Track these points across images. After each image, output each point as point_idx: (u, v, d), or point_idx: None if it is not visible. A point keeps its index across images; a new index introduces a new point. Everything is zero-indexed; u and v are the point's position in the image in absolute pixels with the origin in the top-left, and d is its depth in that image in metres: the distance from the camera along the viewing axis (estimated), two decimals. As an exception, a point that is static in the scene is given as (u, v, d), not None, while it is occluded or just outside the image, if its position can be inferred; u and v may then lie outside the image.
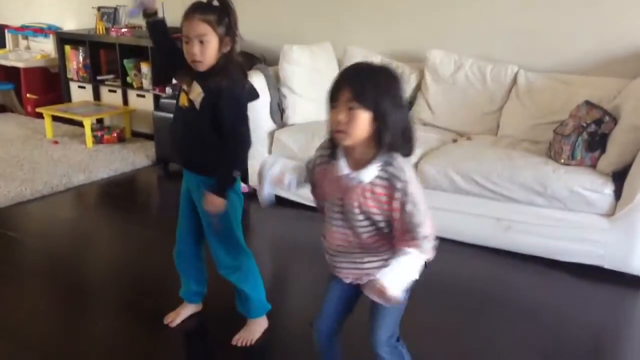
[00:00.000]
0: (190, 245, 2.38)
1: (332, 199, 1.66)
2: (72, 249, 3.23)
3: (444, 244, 3.34)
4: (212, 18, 2.02)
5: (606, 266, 2.88)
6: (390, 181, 1.55)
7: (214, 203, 2.12)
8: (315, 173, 1.71)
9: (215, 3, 2.08)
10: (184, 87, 2.16)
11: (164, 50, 2.30)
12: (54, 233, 3.47)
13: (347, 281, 1.75)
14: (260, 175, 1.76)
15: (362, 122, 1.50)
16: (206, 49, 2.03)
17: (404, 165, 1.57)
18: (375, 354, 1.79)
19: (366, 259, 1.68)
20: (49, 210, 3.78)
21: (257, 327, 2.40)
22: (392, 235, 1.63)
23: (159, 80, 4.90)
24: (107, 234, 3.53)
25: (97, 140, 4.92)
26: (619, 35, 3.47)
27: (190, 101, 2.12)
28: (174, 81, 4.75)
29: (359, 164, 1.59)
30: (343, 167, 1.61)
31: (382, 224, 1.62)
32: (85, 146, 4.83)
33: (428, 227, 1.56)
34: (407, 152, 1.59)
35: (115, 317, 2.60)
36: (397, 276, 1.50)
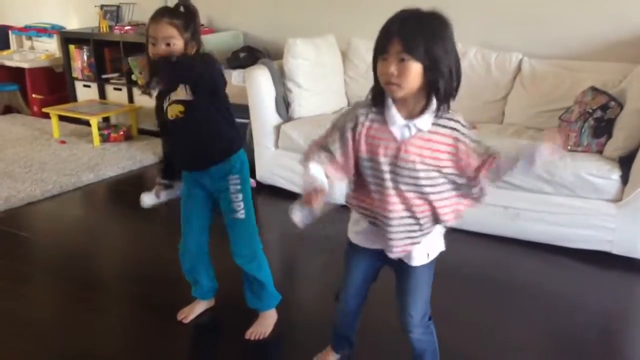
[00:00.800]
0: (202, 244, 2.42)
1: (382, 157, 1.58)
2: (84, 247, 3.26)
3: (452, 233, 3.36)
4: (178, 22, 2.09)
5: (614, 252, 2.89)
6: (449, 128, 1.55)
7: None
8: (356, 134, 1.61)
9: (182, 9, 2.14)
10: (165, 103, 2.19)
11: None
12: (65, 232, 3.50)
13: (393, 255, 1.70)
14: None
15: (415, 73, 1.47)
16: (171, 51, 2.08)
17: (455, 113, 1.57)
18: (408, 335, 1.82)
19: (412, 226, 1.64)
20: (59, 209, 3.81)
21: (269, 320, 2.43)
22: (440, 193, 1.61)
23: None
24: (117, 231, 3.56)
25: (104, 139, 4.95)
26: (623, 19, 3.46)
27: (182, 105, 2.14)
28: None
29: (411, 115, 1.56)
30: (397, 117, 1.56)
31: (430, 180, 1.58)
32: (93, 145, 4.86)
33: None
34: (454, 95, 1.56)
35: (127, 313, 2.64)
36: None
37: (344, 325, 2.01)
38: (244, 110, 3.87)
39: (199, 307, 2.53)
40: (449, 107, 1.55)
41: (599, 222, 2.89)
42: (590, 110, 3.02)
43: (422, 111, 1.55)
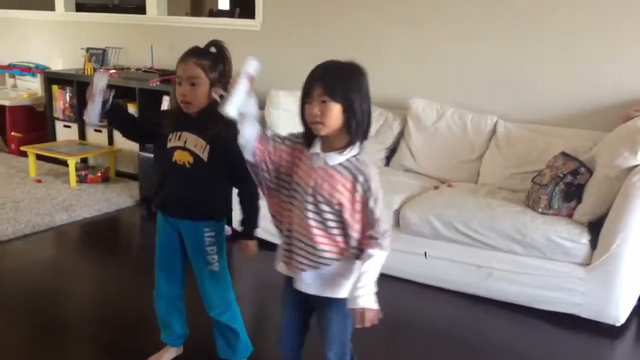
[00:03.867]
0: (177, 289, 2.40)
1: (297, 177, 1.80)
2: (54, 289, 3.21)
3: (425, 289, 3.37)
4: (205, 63, 2.11)
5: (583, 315, 2.93)
6: (353, 173, 1.73)
7: (251, 248, 2.23)
8: (281, 149, 1.84)
9: (213, 50, 2.16)
10: (172, 142, 2.18)
11: (131, 130, 2.35)
12: (35, 272, 3.44)
13: (290, 269, 1.84)
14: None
15: (335, 113, 1.70)
16: (196, 91, 2.10)
17: (368, 162, 1.75)
18: None
19: (304, 246, 1.79)
20: (30, 249, 3.76)
21: None
22: (332, 233, 1.76)
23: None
24: (89, 274, 3.51)
25: (81, 180, 4.92)
26: (595, 88, 3.61)
27: (194, 156, 2.15)
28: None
29: (330, 150, 1.75)
30: (316, 147, 1.78)
31: (327, 214, 1.75)
32: (69, 185, 4.83)
33: (386, 223, 1.75)
34: (365, 136, 1.77)
35: (95, 357, 2.58)
36: (369, 289, 1.71)
37: None
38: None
39: (167, 355, 2.49)
40: (359, 146, 1.75)
41: (568, 285, 2.93)
42: (561, 175, 3.11)
43: (339, 149, 1.74)
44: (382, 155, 4.05)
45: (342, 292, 1.82)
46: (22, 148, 5.26)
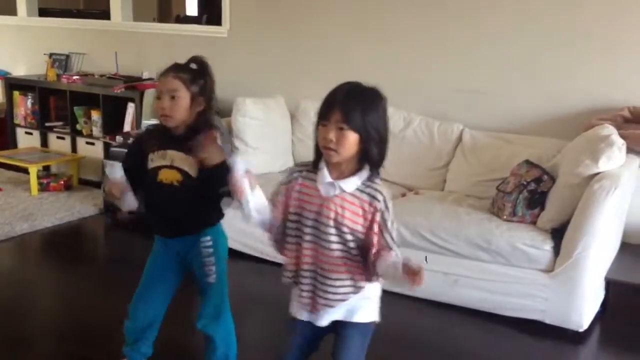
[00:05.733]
0: (161, 310, 2.34)
1: (307, 212, 1.71)
2: (13, 301, 3.12)
3: (392, 297, 3.36)
4: (185, 76, 2.11)
5: (547, 321, 2.96)
6: (371, 197, 1.67)
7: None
8: (290, 188, 1.75)
9: (194, 66, 2.16)
10: (156, 161, 2.14)
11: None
12: (-7, 284, 3.35)
13: (313, 311, 1.76)
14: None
15: (351, 142, 1.63)
16: (176, 104, 2.08)
17: (383, 185, 1.70)
18: None
19: (331, 281, 1.71)
20: (-12, 259, 3.66)
21: None
22: (356, 260, 1.71)
23: (110, 128, 4.88)
24: (51, 285, 3.43)
25: (43, 188, 4.81)
26: (557, 98, 3.67)
27: (183, 174, 2.10)
28: (125, 129, 4.74)
29: (341, 176, 1.69)
30: (326, 175, 1.69)
31: (351, 243, 1.69)
32: (30, 194, 4.72)
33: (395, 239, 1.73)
34: (381, 164, 1.71)
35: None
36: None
37: None
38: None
39: None
40: (378, 174, 1.70)
41: (532, 292, 2.97)
42: (525, 183, 3.15)
43: (351, 174, 1.68)
44: (349, 163, 4.04)
45: (366, 316, 1.80)
46: (-19, 155, 5.13)
